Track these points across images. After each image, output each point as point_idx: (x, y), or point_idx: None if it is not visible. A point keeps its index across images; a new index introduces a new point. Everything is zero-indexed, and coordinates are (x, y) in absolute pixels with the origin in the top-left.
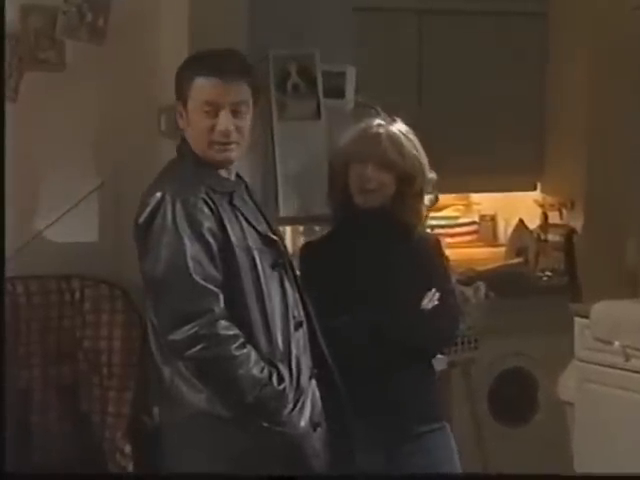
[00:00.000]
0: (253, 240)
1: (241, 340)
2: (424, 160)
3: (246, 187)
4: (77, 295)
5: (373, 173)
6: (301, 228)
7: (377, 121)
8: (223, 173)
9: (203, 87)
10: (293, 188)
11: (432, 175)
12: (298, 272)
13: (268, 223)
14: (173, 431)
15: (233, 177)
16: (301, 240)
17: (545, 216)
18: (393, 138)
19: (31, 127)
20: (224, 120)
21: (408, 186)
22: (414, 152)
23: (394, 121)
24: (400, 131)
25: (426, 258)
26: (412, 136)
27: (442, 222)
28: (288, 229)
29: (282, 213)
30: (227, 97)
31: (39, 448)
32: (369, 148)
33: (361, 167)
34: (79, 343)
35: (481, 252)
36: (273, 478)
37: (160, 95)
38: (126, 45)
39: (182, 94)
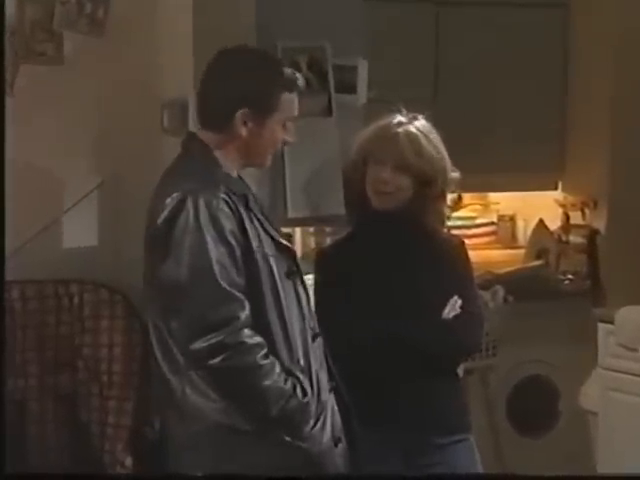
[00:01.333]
0: (268, 246)
1: (265, 349)
2: (445, 160)
3: (250, 190)
4: (76, 300)
5: (390, 176)
6: (311, 229)
7: (397, 119)
8: (234, 174)
9: (291, 103)
10: (302, 188)
11: (455, 174)
12: (312, 279)
13: (276, 229)
14: (183, 443)
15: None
16: (312, 241)
17: (566, 216)
18: (412, 138)
19: (27, 123)
20: (292, 131)
21: (428, 188)
22: (434, 153)
23: (415, 119)
24: (420, 130)
25: (449, 262)
26: (433, 135)
27: (459, 222)
28: (298, 230)
29: (291, 214)
30: (297, 111)
31: (36, 461)
32: (387, 149)
33: (378, 169)
34: (78, 350)
35: (499, 254)
36: (274, 479)
37: (162, 90)
38: (127, 37)
39: (265, 105)
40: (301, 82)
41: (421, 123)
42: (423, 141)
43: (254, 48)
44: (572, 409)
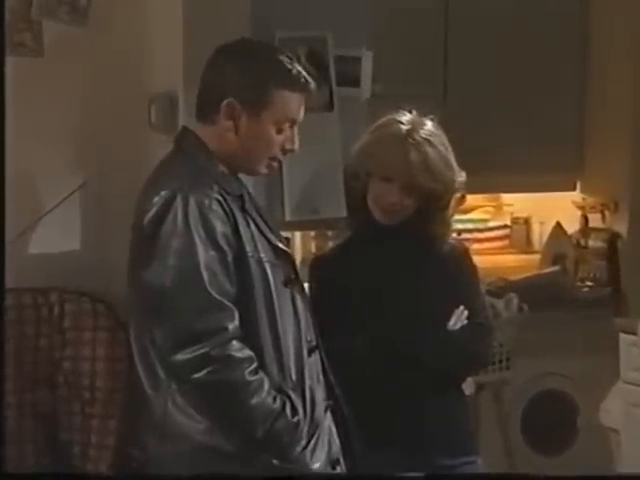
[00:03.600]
0: (265, 251)
1: (255, 364)
2: (454, 170)
3: (247, 190)
4: (56, 310)
5: (398, 197)
6: (312, 232)
7: (405, 127)
8: (229, 173)
9: (290, 103)
10: (301, 189)
11: (461, 178)
12: (307, 288)
13: (274, 232)
14: (166, 466)
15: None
16: (312, 246)
17: (585, 219)
18: (422, 154)
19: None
20: (296, 139)
21: (434, 202)
22: (443, 168)
23: (423, 124)
24: (429, 142)
25: (453, 270)
26: (442, 144)
27: (470, 226)
28: (298, 234)
29: (289, 217)
30: (301, 116)
31: None
32: (395, 166)
33: (384, 187)
34: (58, 365)
35: (513, 259)
36: (273, 478)
37: (150, 84)
38: (112, 27)
39: (254, 98)
40: (312, 85)
41: (430, 130)
42: (431, 154)
43: (259, 40)
44: (591, 426)
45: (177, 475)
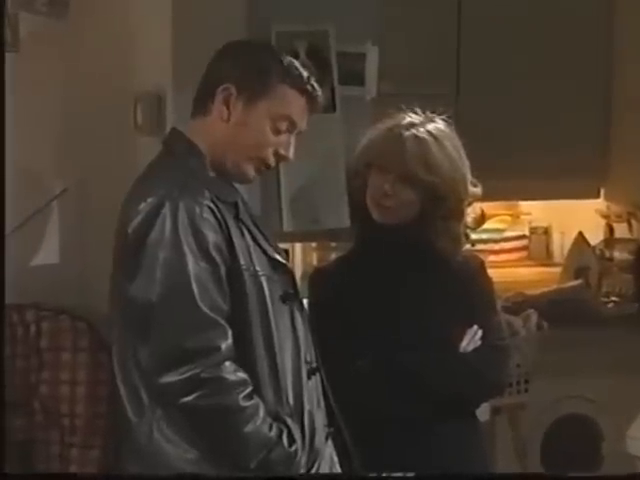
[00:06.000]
0: (261, 264)
1: (249, 388)
2: (462, 172)
3: (241, 197)
4: (32, 329)
5: (392, 188)
6: (314, 243)
7: (408, 119)
8: (222, 178)
9: (290, 100)
10: (300, 197)
11: (475, 189)
12: (306, 304)
13: (271, 243)
14: None
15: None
16: (314, 258)
17: (610, 229)
18: (421, 144)
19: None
20: (292, 147)
21: (438, 205)
22: (447, 164)
23: (430, 120)
24: (432, 135)
25: (466, 285)
26: (449, 141)
27: (484, 236)
28: (298, 244)
29: (287, 227)
30: (302, 124)
31: None
32: (390, 155)
33: (380, 178)
34: (34, 389)
35: (532, 272)
36: (273, 478)
37: (136, 81)
38: (94, 19)
39: (252, 85)
40: (318, 94)
41: (436, 126)
42: (434, 148)
43: (262, 40)
44: (617, 454)
45: (177, 475)
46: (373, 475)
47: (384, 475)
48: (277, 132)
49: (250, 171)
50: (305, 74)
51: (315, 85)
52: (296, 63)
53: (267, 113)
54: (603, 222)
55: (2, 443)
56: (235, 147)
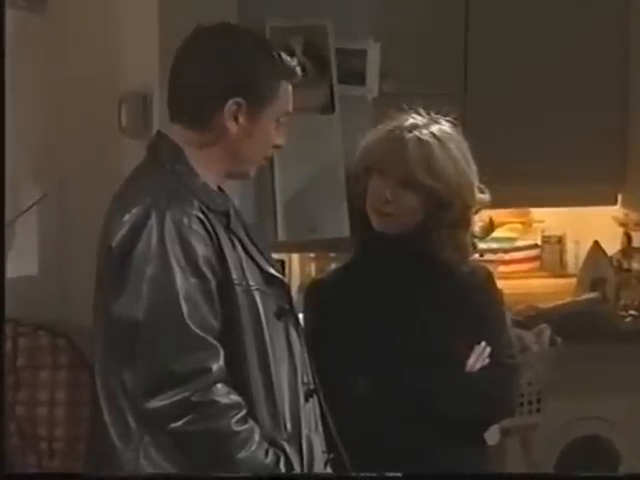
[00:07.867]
0: (254, 278)
1: (243, 411)
2: (467, 178)
3: (233, 206)
4: (8, 346)
5: (393, 194)
6: (312, 253)
7: (411, 120)
8: (212, 185)
9: (288, 95)
10: (297, 204)
11: (483, 196)
12: (302, 320)
13: (265, 255)
14: None
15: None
16: (312, 268)
17: (628, 238)
18: (423, 147)
19: None
20: (285, 135)
21: (442, 213)
22: (451, 168)
23: (435, 121)
24: (436, 137)
25: (473, 298)
26: (455, 144)
27: (494, 245)
28: (295, 255)
29: (282, 237)
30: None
31: None
32: (391, 159)
33: (380, 183)
34: (10, 410)
35: (545, 284)
36: (271, 478)
37: (121, 81)
38: (76, 14)
39: (261, 94)
40: (299, 71)
41: (441, 128)
42: (438, 151)
43: (238, 25)
44: (635, 477)
45: (176, 475)
46: (367, 475)
47: (378, 475)
48: (278, 128)
49: (251, 171)
50: (294, 63)
51: (292, 59)
52: (284, 55)
53: (273, 116)
54: (620, 230)
55: (2, 443)
56: (240, 156)
